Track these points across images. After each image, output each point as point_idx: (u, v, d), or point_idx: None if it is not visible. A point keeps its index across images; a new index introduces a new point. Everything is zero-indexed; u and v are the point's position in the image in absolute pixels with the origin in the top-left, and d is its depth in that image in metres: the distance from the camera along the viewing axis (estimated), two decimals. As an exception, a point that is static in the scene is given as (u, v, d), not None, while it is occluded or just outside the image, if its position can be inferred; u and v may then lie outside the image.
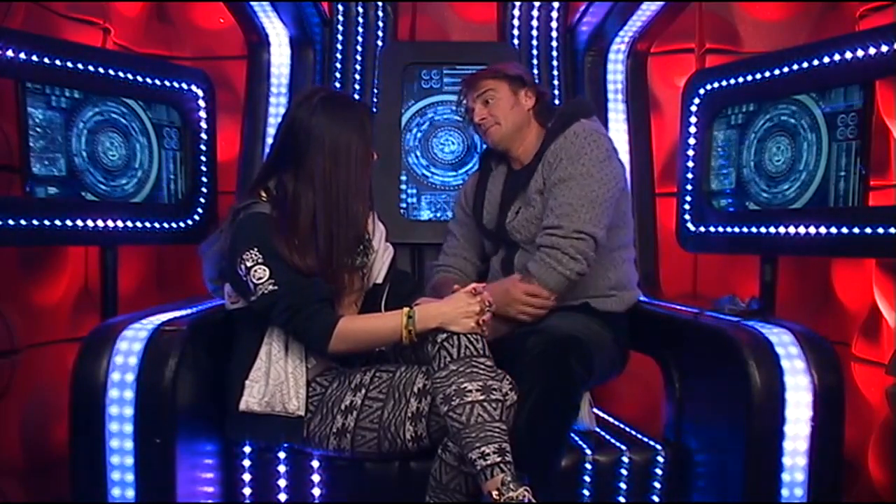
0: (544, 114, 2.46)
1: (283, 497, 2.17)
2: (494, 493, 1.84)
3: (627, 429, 2.45)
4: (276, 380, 2.06)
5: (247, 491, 2.17)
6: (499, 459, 1.86)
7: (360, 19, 3.02)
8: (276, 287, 1.98)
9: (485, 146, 2.59)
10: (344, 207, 2.05)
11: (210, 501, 2.13)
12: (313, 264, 2.02)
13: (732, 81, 2.58)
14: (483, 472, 1.86)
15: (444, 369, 1.95)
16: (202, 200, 2.81)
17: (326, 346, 2.00)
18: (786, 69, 2.39)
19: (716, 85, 2.65)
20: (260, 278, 1.99)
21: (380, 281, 2.24)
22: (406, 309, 2.00)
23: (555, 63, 3.01)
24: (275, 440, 2.12)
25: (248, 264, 1.99)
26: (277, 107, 2.96)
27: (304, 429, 2.08)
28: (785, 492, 1.98)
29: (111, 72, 2.49)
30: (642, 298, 2.54)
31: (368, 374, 2.10)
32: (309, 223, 2.04)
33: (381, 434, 2.05)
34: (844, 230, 2.19)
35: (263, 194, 2.10)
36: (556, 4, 3.02)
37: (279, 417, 2.06)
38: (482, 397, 1.91)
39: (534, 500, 1.84)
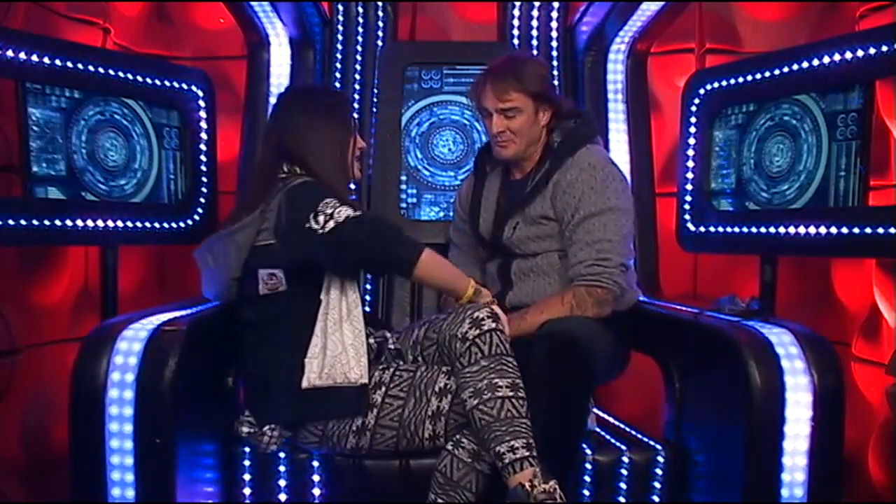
0: (554, 122, 2.41)
1: (283, 497, 2.17)
2: (527, 484, 1.89)
3: (627, 429, 2.46)
4: (333, 351, 2.06)
5: (247, 491, 2.18)
6: (527, 454, 1.92)
7: (360, 19, 3.02)
8: (360, 214, 2.04)
9: (481, 145, 2.58)
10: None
11: (210, 501, 2.13)
12: None
13: (732, 81, 2.58)
14: (512, 465, 1.91)
15: (475, 364, 2.00)
16: (202, 200, 2.81)
17: (416, 263, 2.04)
18: (786, 69, 2.39)
19: (716, 85, 2.65)
20: (347, 214, 2.01)
21: None
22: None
23: (555, 63, 3.01)
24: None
25: (329, 210, 2.01)
26: (277, 107, 2.96)
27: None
28: (785, 492, 1.98)
29: (111, 72, 2.49)
30: (642, 298, 2.54)
31: (388, 371, 2.13)
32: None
33: (400, 432, 2.07)
34: (844, 230, 2.19)
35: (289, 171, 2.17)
36: (556, 4, 3.02)
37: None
38: (511, 394, 1.97)
39: (563, 495, 1.89)
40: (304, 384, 2.06)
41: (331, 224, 2.00)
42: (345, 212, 2.02)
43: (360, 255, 2.05)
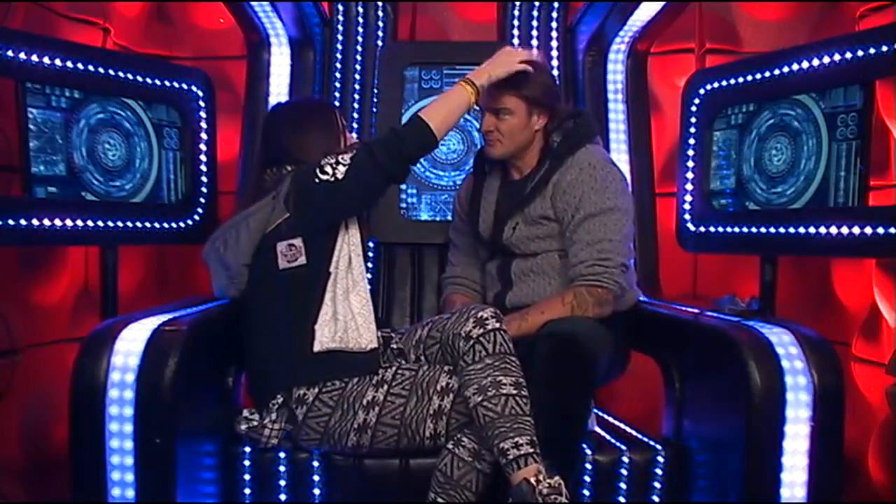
0: (551, 125, 2.41)
1: (283, 497, 2.17)
2: (532, 479, 1.89)
3: (627, 429, 2.46)
4: (344, 317, 2.12)
5: (247, 491, 2.18)
6: (531, 450, 1.93)
7: (360, 19, 3.02)
8: (356, 148, 2.17)
9: (481, 146, 2.58)
10: None
11: (210, 501, 2.13)
12: None
13: (732, 81, 2.58)
14: (516, 461, 1.92)
15: (479, 362, 2.02)
16: (202, 200, 2.81)
17: (433, 132, 2.15)
18: (786, 69, 2.39)
19: (716, 85, 2.65)
20: (349, 153, 2.14)
21: None
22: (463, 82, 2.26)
23: (555, 63, 3.01)
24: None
25: (332, 160, 2.13)
26: (277, 107, 2.96)
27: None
28: (785, 492, 1.98)
29: (111, 72, 2.49)
30: (642, 298, 2.54)
31: (390, 370, 2.14)
32: None
33: (401, 431, 2.08)
34: (844, 230, 2.19)
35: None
36: (556, 4, 3.02)
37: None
38: (515, 392, 1.98)
39: (567, 492, 1.90)
40: (317, 347, 2.10)
41: (342, 168, 2.11)
42: (346, 154, 2.14)
43: (390, 165, 2.13)
